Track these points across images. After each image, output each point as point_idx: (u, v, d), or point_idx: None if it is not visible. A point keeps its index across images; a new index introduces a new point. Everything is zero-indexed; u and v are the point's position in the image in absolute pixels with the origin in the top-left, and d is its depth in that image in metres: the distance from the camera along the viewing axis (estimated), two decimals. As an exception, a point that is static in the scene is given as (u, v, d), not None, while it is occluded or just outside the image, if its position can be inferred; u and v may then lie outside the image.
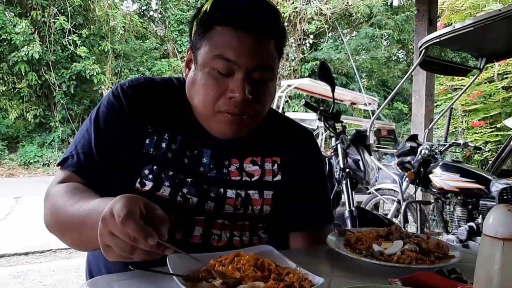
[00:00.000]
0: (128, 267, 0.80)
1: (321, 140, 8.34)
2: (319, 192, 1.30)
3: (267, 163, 1.20)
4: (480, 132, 8.42)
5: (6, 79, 13.22)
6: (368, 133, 3.72)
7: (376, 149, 7.15)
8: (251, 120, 1.10)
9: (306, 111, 9.25)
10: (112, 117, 1.13)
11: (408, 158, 3.94)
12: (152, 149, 1.12)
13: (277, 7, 1.12)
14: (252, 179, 1.17)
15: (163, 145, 1.12)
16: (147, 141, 1.12)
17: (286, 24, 16.05)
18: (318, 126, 8.12)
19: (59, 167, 1.12)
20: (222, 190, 1.13)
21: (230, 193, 1.14)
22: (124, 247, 0.78)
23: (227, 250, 0.95)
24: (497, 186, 3.33)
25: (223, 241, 1.11)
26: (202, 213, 1.11)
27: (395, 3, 17.66)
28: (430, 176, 3.72)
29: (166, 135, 1.13)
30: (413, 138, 4.18)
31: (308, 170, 1.27)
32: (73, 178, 1.08)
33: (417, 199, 4.19)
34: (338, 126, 3.09)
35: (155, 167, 1.10)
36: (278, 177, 1.20)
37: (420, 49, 3.88)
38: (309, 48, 17.26)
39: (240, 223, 1.13)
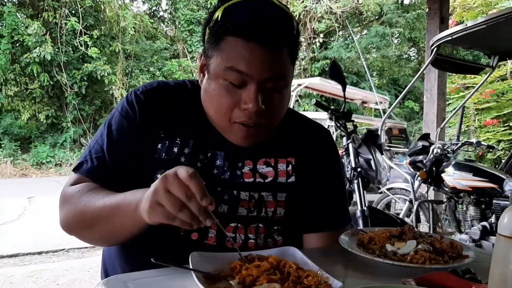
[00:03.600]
0: (144, 266, 0.81)
1: (332, 139, 8.30)
2: (336, 192, 1.27)
3: (281, 164, 1.18)
4: (493, 131, 8.32)
5: (18, 80, 13.39)
6: (379, 132, 3.70)
7: (388, 148, 7.10)
8: (266, 129, 1.11)
9: (316, 111, 9.21)
10: (126, 123, 1.14)
11: (420, 157, 3.91)
12: (164, 154, 1.12)
13: (287, 6, 1.11)
14: (266, 181, 1.16)
15: (175, 149, 1.13)
16: (159, 146, 1.12)
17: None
18: (328, 126, 8.10)
19: (74, 172, 1.14)
20: (235, 192, 1.13)
21: (244, 195, 1.13)
22: (174, 205, 0.83)
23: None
24: (510, 185, 3.30)
25: (237, 243, 1.10)
26: (215, 216, 1.10)
27: (406, 1, 17.57)
28: (443, 175, 3.69)
29: (178, 139, 1.13)
30: (425, 137, 4.15)
31: (325, 169, 1.24)
32: (86, 181, 1.10)
33: (429, 199, 4.16)
34: (349, 125, 3.08)
35: None
36: (292, 179, 1.18)
37: (432, 48, 3.84)
38: (319, 47, 17.20)
39: (253, 226, 1.12)
